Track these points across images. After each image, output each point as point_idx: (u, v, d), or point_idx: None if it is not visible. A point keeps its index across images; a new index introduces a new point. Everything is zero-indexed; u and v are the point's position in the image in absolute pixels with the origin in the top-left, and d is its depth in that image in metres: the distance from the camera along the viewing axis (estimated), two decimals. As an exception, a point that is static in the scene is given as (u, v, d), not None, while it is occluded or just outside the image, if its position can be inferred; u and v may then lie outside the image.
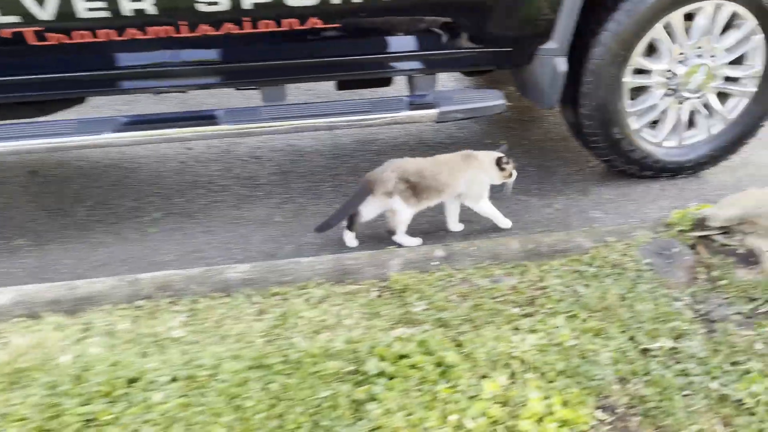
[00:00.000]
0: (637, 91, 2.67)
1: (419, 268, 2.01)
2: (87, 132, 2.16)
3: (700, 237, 2.03)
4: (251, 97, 2.50)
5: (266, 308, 1.84)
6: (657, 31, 2.45)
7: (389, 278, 1.96)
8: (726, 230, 2.00)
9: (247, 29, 2.16)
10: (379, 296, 1.90)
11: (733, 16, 2.51)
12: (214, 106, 2.40)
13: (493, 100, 2.47)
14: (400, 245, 2.24)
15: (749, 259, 1.88)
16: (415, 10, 2.31)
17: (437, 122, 2.45)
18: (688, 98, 2.62)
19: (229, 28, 2.15)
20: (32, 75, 2.13)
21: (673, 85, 2.57)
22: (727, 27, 2.55)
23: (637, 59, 2.50)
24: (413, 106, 2.42)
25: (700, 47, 2.53)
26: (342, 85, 2.79)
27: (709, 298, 1.81)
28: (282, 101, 2.47)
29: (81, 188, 2.83)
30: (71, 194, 2.79)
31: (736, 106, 2.70)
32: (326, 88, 3.41)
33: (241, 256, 2.29)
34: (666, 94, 2.61)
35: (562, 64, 2.43)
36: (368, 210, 2.25)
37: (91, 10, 1.99)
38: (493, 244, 2.11)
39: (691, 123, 2.74)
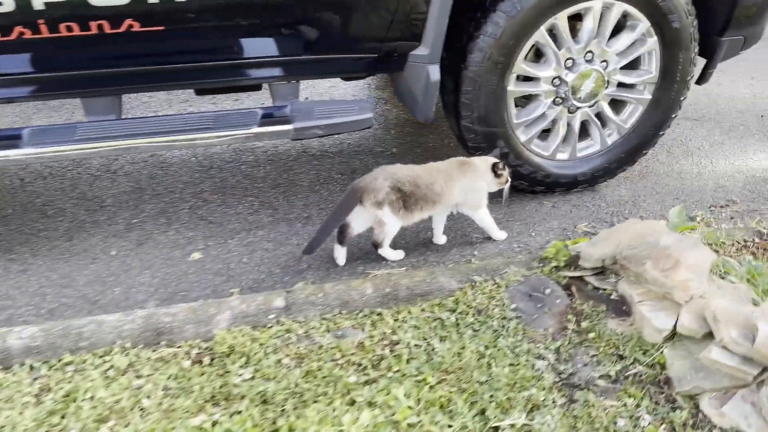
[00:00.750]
0: (526, 100, 2.43)
1: (253, 322, 1.71)
2: None
3: (573, 278, 1.80)
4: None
5: (51, 385, 1.51)
6: (541, 35, 2.20)
7: (214, 337, 1.65)
8: (600, 271, 1.77)
9: (45, 33, 1.78)
10: (198, 363, 1.59)
11: (625, 17, 2.28)
12: (23, 124, 2.01)
13: (360, 113, 2.17)
14: (385, 259, 2.10)
15: (622, 307, 1.65)
16: (258, 9, 1.98)
17: (293, 139, 2.13)
18: (579, 107, 2.38)
19: (22, 32, 1.77)
20: None
21: (563, 93, 2.33)
22: (620, 29, 2.32)
23: (521, 65, 2.24)
24: (266, 120, 2.10)
25: (590, 52, 2.29)
26: (202, 91, 2.45)
27: (576, 356, 1.58)
28: (112, 116, 2.10)
29: None
30: None
31: (632, 114, 2.49)
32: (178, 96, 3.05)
33: (55, 303, 1.94)
34: (555, 103, 2.36)
35: (434, 72, 2.15)
36: (359, 222, 2.04)
37: None
38: (344, 288, 1.82)
39: (585, 133, 2.51)
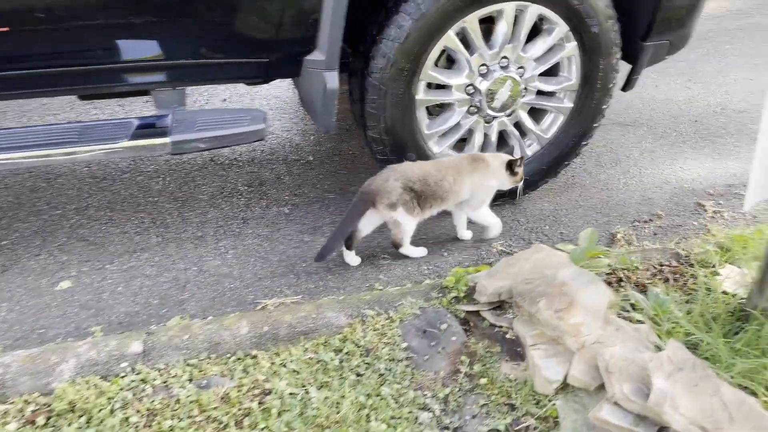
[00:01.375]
0: (440, 109, 2.26)
1: (104, 371, 1.50)
2: None
3: (470, 312, 1.63)
4: None
5: None
6: (449, 40, 2.02)
7: (55, 391, 1.43)
8: (498, 305, 1.61)
9: None
10: (31, 423, 1.37)
11: (542, 21, 2.12)
12: None
13: (251, 124, 1.96)
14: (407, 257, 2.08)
15: (517, 349, 1.49)
16: (134, 8, 1.75)
17: (172, 154, 1.91)
18: (496, 116, 2.22)
19: None
20: None
21: (477, 102, 2.16)
22: (537, 33, 2.16)
23: (430, 72, 2.06)
24: (141, 132, 1.87)
25: (505, 57, 2.12)
26: (86, 96, 2.21)
27: (465, 405, 1.41)
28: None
29: None
30: None
31: (553, 123, 2.33)
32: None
33: None
34: (470, 112, 2.19)
35: (332, 80, 1.94)
36: (367, 224, 2.01)
37: None
38: (215, 328, 1.61)
39: (504, 144, 2.35)
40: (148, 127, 1.91)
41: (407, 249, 2.07)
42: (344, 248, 2.04)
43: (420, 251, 2.10)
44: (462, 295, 1.71)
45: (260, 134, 1.96)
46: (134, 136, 1.84)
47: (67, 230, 2.20)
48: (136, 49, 1.84)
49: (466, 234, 2.20)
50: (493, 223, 2.15)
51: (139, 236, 2.18)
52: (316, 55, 1.93)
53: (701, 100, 3.36)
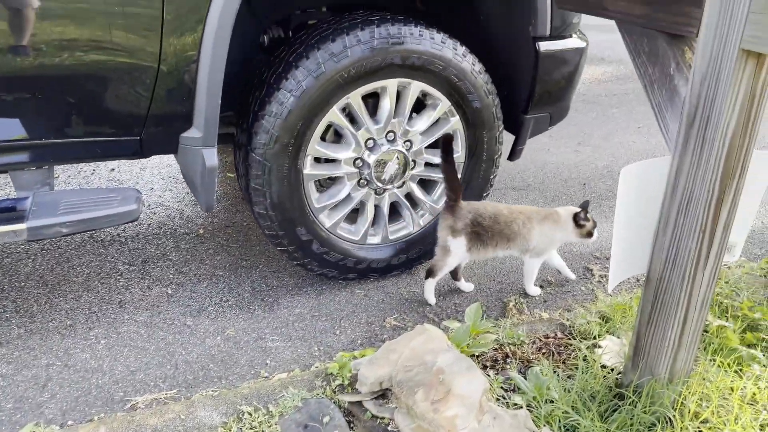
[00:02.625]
0: (330, 181, 2.23)
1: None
2: None
3: (353, 402, 1.55)
4: None
5: None
6: (334, 115, 2.01)
7: None
8: (382, 393, 1.54)
9: None
10: None
11: (425, 96, 2.15)
12: None
13: (122, 205, 1.84)
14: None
15: (398, 442, 1.42)
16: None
17: (29, 240, 1.75)
18: (386, 189, 2.21)
19: None
20: None
21: (366, 174, 2.14)
22: (423, 107, 2.20)
23: (316, 147, 2.04)
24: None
25: (391, 132, 2.13)
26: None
27: None
28: None
29: None
30: None
31: (444, 194, 2.35)
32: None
33: None
34: (360, 185, 2.17)
35: (211, 157, 1.87)
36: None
37: None
38: (68, 438, 1.44)
39: (398, 214, 2.34)
40: (4, 212, 1.75)
41: (432, 283, 2.15)
42: (453, 280, 2.23)
43: (468, 285, 2.24)
44: (347, 382, 1.63)
45: (132, 215, 1.84)
46: (-11, 222, 1.68)
47: None
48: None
49: (570, 275, 2.32)
50: (533, 276, 2.22)
51: (-1, 328, 1.97)
52: (193, 132, 1.85)
53: (590, 164, 3.53)
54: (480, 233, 2.05)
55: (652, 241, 1.33)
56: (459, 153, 2.26)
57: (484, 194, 2.39)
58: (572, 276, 2.34)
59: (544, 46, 2.20)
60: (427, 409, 1.30)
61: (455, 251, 2.06)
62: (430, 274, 2.13)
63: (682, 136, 1.21)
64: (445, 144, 2.04)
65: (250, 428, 1.51)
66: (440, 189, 2.34)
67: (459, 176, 2.26)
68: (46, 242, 2.45)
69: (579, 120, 4.22)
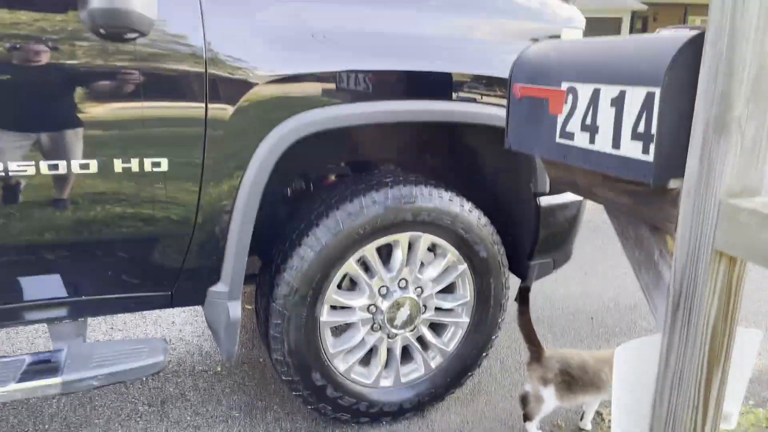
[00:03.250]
0: (345, 326, 2.34)
1: None
2: None
3: None
4: None
5: None
6: (350, 266, 2.16)
7: None
8: None
9: None
10: None
11: (435, 247, 2.31)
12: None
13: (150, 356, 1.95)
14: None
15: None
16: (38, 248, 1.79)
17: (62, 393, 1.86)
18: (398, 333, 2.31)
19: None
20: None
21: (380, 320, 2.26)
22: (434, 255, 2.35)
23: (333, 296, 2.17)
24: (29, 372, 1.82)
25: (404, 279, 2.27)
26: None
27: None
28: None
29: None
30: None
31: (453, 336, 2.45)
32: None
33: None
34: (373, 329, 2.28)
35: (235, 310, 2.01)
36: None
37: None
38: None
39: (409, 357, 2.43)
40: (40, 364, 1.86)
41: (532, 427, 2.20)
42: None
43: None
44: None
45: (158, 366, 1.95)
46: (21, 379, 1.79)
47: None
48: (34, 287, 1.86)
49: (588, 425, 2.38)
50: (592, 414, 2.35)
51: (20, 475, 2.02)
52: (220, 287, 2.00)
53: (596, 296, 3.62)
54: (569, 382, 2.15)
55: (650, 413, 1.41)
56: (468, 298, 2.39)
57: (493, 336, 2.48)
58: (588, 426, 2.38)
59: (544, 200, 2.38)
60: None
61: (548, 400, 2.16)
62: (527, 418, 2.22)
63: (669, 318, 1.33)
64: (521, 296, 2.22)
65: None
66: (450, 332, 2.44)
67: (467, 320, 2.37)
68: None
69: (585, 248, 4.36)
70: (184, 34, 1.74)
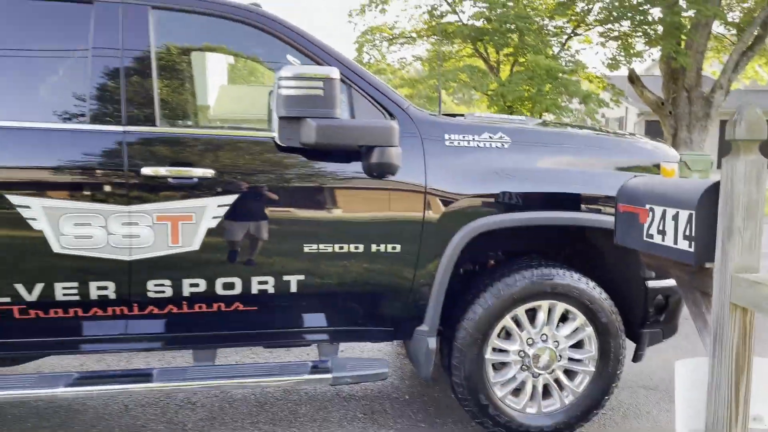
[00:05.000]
0: (501, 365, 3.32)
1: None
2: (44, 386, 2.72)
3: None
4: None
5: None
6: (507, 321, 3.18)
7: None
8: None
9: (185, 309, 2.86)
10: None
11: (568, 312, 3.27)
12: (151, 365, 2.99)
13: (378, 368, 3.09)
14: None
15: None
16: (318, 297, 3.05)
17: (332, 385, 3.04)
18: (540, 374, 3.26)
19: (172, 308, 2.85)
20: (11, 339, 2.77)
21: (527, 362, 3.23)
22: (566, 319, 3.30)
23: (495, 341, 3.19)
24: (314, 370, 3.03)
25: (544, 334, 3.24)
26: (270, 346, 3.45)
27: None
28: (210, 362, 3.08)
29: (32, 427, 3.28)
30: (25, 429, 3.24)
31: (582, 381, 3.32)
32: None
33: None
34: (522, 369, 3.25)
35: (432, 343, 3.10)
36: None
37: (66, 295, 2.70)
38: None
39: (548, 393, 3.34)
40: (316, 368, 3.07)
41: None
42: None
43: None
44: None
45: (384, 376, 3.07)
46: (311, 372, 3.00)
47: (246, 435, 3.25)
48: (314, 319, 3.10)
49: None
50: None
51: (293, 442, 3.19)
52: (424, 327, 3.12)
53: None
54: None
55: (704, 408, 2.26)
56: (593, 353, 3.27)
57: (613, 384, 3.31)
58: None
59: (651, 283, 3.26)
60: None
61: None
62: None
63: (711, 347, 2.22)
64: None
65: None
66: (580, 377, 3.32)
67: (593, 369, 3.25)
68: (246, 392, 3.74)
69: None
70: (414, 172, 2.99)
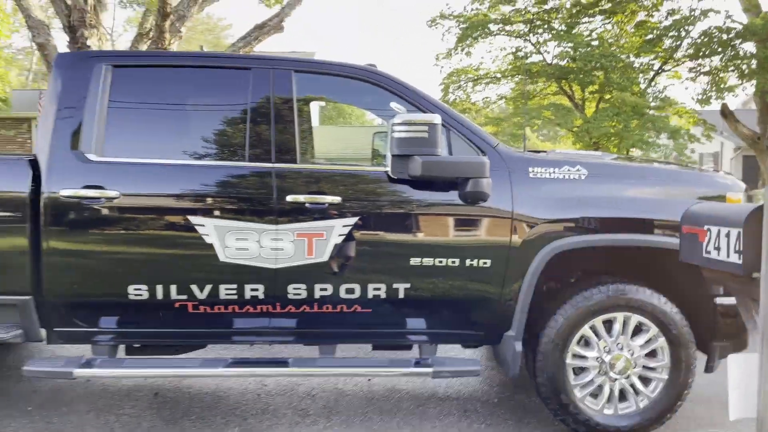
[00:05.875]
0: (581, 369, 3.76)
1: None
2: (208, 366, 3.49)
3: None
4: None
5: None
6: (586, 330, 3.64)
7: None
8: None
9: (315, 309, 3.56)
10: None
11: (642, 323, 3.68)
12: (286, 356, 3.70)
13: (472, 366, 3.64)
14: None
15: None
16: (421, 303, 3.65)
17: (433, 377, 3.60)
18: (616, 378, 3.67)
19: (305, 308, 3.56)
20: (184, 329, 3.57)
21: (604, 368, 3.66)
22: (640, 330, 3.71)
23: (574, 347, 3.65)
24: (417, 364, 3.61)
25: (619, 343, 3.66)
26: (376, 346, 4.08)
27: None
28: (332, 355, 3.74)
29: (186, 407, 4.07)
30: (180, 409, 4.03)
31: (656, 387, 3.69)
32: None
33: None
34: (599, 374, 3.68)
35: (519, 346, 3.61)
36: None
37: (227, 294, 3.47)
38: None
39: (624, 397, 3.73)
40: (419, 362, 3.65)
41: None
42: None
43: None
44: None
45: (477, 372, 3.61)
46: (415, 366, 3.59)
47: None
48: (416, 323, 3.70)
49: None
50: None
51: None
52: (510, 332, 3.64)
53: None
54: None
55: (756, 398, 2.64)
56: (665, 361, 3.64)
57: (684, 391, 3.65)
58: None
59: (719, 300, 3.62)
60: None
61: None
62: None
63: (760, 344, 2.62)
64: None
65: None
66: (653, 384, 3.69)
67: (666, 377, 3.63)
68: (357, 389, 4.30)
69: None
70: (503, 200, 3.57)
